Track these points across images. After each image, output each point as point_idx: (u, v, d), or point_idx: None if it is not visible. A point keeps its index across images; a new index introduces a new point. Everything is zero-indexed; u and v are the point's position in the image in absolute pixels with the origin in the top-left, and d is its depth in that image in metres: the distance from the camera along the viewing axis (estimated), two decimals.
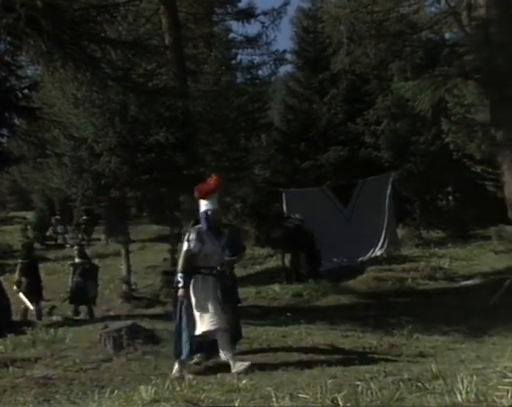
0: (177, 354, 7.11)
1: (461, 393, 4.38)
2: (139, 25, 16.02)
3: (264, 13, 20.85)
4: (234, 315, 7.38)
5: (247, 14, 20.72)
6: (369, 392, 4.77)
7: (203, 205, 7.26)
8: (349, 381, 5.44)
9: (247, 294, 13.68)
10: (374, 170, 20.67)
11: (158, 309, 13.30)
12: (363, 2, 14.97)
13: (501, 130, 13.86)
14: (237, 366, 6.76)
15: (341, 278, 14.77)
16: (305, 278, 14.97)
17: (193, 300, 7.08)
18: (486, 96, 15.01)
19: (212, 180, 7.33)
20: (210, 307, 7.03)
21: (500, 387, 4.54)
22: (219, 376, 6.21)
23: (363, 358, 7.20)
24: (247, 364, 6.81)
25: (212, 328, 6.99)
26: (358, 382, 5.24)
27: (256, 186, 24.19)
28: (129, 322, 8.71)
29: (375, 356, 7.41)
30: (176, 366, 7.05)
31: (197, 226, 7.26)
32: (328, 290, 13.21)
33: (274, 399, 4.71)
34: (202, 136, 17.62)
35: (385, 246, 17.69)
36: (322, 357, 7.46)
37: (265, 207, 23.21)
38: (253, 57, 22.27)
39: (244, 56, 22.68)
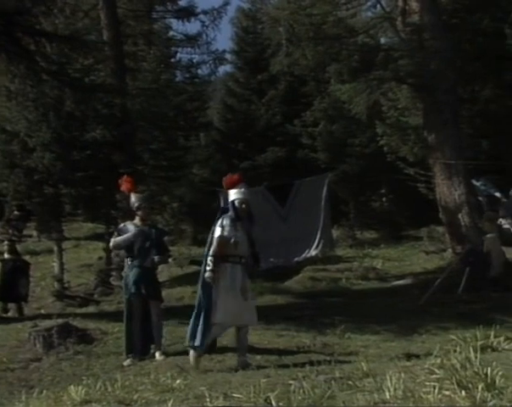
0: (192, 342, 7.16)
1: (389, 391, 4.49)
2: (77, 20, 15.72)
3: (205, 13, 20.77)
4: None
5: (188, 13, 20.58)
6: (301, 391, 4.84)
7: (231, 195, 7.52)
8: (283, 380, 5.50)
9: (184, 294, 13.63)
10: (310, 170, 20.91)
11: (91, 309, 13.07)
12: (302, 4, 15.12)
13: (433, 133, 14.25)
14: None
15: (277, 278, 14.87)
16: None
17: (220, 287, 7.11)
18: (420, 100, 15.39)
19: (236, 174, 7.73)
20: (236, 296, 7.13)
21: (427, 383, 4.67)
22: (152, 376, 6.16)
23: (297, 357, 7.28)
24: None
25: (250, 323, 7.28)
26: (291, 381, 5.31)
27: (194, 185, 24.11)
28: (60, 321, 8.55)
29: (309, 355, 7.50)
30: (192, 354, 7.13)
31: (227, 214, 7.39)
32: (264, 290, 13.28)
33: (208, 399, 4.72)
34: (139, 135, 17.43)
35: (320, 246, 17.87)
36: (257, 356, 7.51)
37: (203, 206, 23.14)
38: (193, 56, 22.13)
39: (184, 54, 22.52)
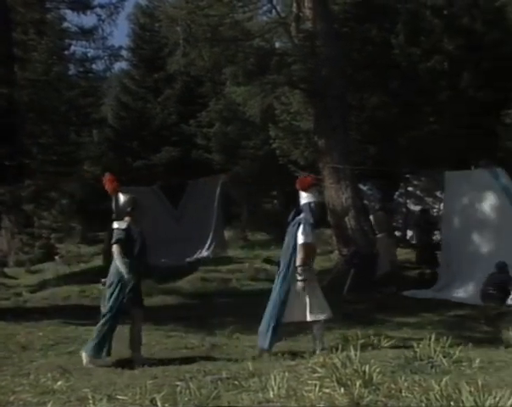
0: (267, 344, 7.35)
1: (273, 390, 4.59)
2: None
3: (101, 6, 20.24)
4: None
5: (84, 5, 19.99)
6: (187, 391, 4.85)
7: (305, 198, 7.45)
8: (169, 381, 5.49)
9: (70, 293, 13.27)
10: (205, 171, 20.96)
11: None
12: (199, 5, 15.10)
13: (322, 138, 14.65)
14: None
15: (168, 278, 14.76)
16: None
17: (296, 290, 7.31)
18: (311, 105, 15.77)
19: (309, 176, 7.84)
20: (319, 296, 7.43)
21: (309, 381, 4.82)
22: (32, 377, 5.95)
23: (185, 358, 7.28)
24: None
25: (321, 317, 7.38)
26: (178, 382, 5.31)
27: (85, 182, 23.53)
28: None
29: (197, 356, 7.52)
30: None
31: (302, 217, 7.38)
32: (154, 290, 13.13)
33: (90, 401, 4.63)
34: (28, 127, 16.78)
35: (212, 247, 17.99)
36: (144, 357, 7.43)
37: (94, 204, 22.63)
38: (88, 50, 21.52)
39: (78, 48, 21.86)
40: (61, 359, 7.30)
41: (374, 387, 4.60)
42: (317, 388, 4.58)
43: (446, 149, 16.95)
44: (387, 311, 10.09)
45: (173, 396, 4.74)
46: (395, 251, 13.86)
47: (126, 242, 7.48)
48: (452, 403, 4.01)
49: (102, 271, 15.61)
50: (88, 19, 24.13)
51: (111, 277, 7.44)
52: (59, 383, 5.36)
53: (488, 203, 12.69)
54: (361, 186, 16.59)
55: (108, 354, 7.26)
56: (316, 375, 5.05)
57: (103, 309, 7.37)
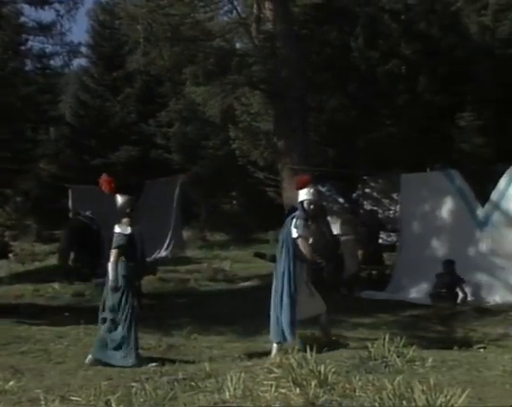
0: (279, 338, 7.30)
1: (229, 390, 4.60)
2: None
3: (60, 2, 19.86)
4: None
5: (41, 0, 19.69)
6: (143, 392, 4.82)
7: (302, 195, 7.70)
8: (125, 382, 5.45)
9: (24, 292, 13.04)
10: (164, 171, 20.84)
11: None
12: (160, 4, 14.99)
13: (282, 139, 14.70)
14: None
15: None
16: (88, 277, 14.64)
17: (302, 284, 7.44)
18: (271, 106, 15.82)
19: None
20: (315, 292, 7.58)
21: (266, 382, 4.84)
22: None
23: (141, 359, 7.23)
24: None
25: (320, 311, 7.48)
26: (133, 383, 5.28)
27: (41, 180, 23.17)
28: None
29: (154, 357, 7.48)
30: (275, 350, 7.17)
31: (296, 214, 7.59)
32: None
33: (42, 402, 4.57)
34: None
35: (170, 247, 17.91)
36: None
37: (50, 202, 22.30)
38: (46, 45, 21.15)
39: (35, 43, 21.47)
40: (13, 359, 7.20)
41: (329, 387, 4.64)
42: (273, 389, 4.60)
43: (403, 152, 17.22)
44: (344, 312, 10.17)
45: (128, 397, 4.71)
46: (358, 252, 13.97)
47: (128, 247, 7.43)
48: (404, 402, 4.07)
49: (57, 270, 15.49)
50: (46, 15, 23.69)
51: (115, 282, 7.34)
52: (11, 384, 5.27)
53: (443, 205, 12.92)
54: (320, 188, 16.70)
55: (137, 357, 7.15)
56: (272, 375, 5.07)
57: (105, 314, 7.36)
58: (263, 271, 16.21)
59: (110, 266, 7.32)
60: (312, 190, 7.84)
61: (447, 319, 10.36)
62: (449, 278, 11.80)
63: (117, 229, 7.52)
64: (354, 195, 18.70)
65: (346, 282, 13.00)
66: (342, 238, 13.26)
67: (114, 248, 7.39)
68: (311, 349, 5.37)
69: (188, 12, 15.31)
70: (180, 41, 15.24)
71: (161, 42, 15.55)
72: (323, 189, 17.95)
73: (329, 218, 15.32)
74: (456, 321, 10.17)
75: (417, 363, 5.60)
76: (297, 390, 4.53)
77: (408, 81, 18.52)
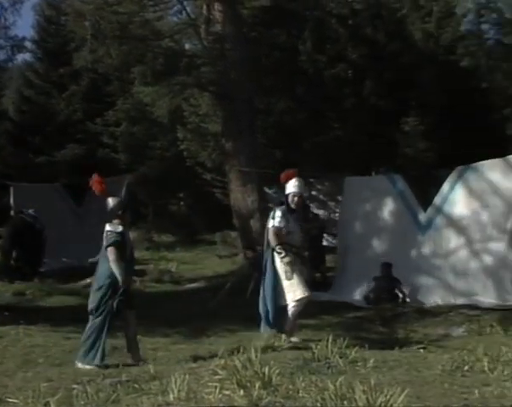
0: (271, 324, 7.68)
1: (173, 392, 4.59)
2: None
3: None
4: None
5: None
6: (84, 395, 4.76)
7: (287, 189, 8.02)
8: (66, 384, 5.37)
9: None
10: (110, 171, 20.55)
11: None
12: (108, 1, 14.81)
13: (230, 141, 14.72)
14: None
15: (69, 278, 14.40)
16: (30, 277, 14.38)
17: (283, 274, 7.66)
18: (219, 108, 15.82)
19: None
20: (296, 279, 7.68)
21: (210, 384, 4.85)
22: None
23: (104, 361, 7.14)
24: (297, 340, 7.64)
25: (302, 296, 7.64)
26: (74, 385, 5.20)
27: None
28: None
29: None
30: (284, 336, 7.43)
31: (280, 207, 7.94)
32: (54, 290, 12.79)
33: None
34: None
35: None
36: (40, 359, 7.24)
37: None
38: None
39: None
40: None
41: (273, 389, 4.67)
42: (217, 390, 4.61)
43: (349, 155, 17.48)
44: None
45: (69, 399, 4.64)
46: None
47: (121, 246, 7.33)
48: (345, 402, 4.14)
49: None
50: None
51: (100, 280, 7.26)
52: None
53: (385, 208, 13.14)
54: (267, 190, 16.78)
55: (103, 359, 6.99)
56: (217, 377, 5.08)
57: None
58: (209, 273, 16.24)
59: (113, 265, 7.18)
60: (297, 183, 8.06)
61: (389, 320, 10.56)
62: (386, 281, 12.03)
63: (108, 227, 7.45)
64: None
65: None
66: None
67: (109, 245, 7.30)
68: (255, 351, 5.40)
69: (137, 10, 15.16)
70: (129, 39, 15.09)
71: (109, 40, 15.36)
72: (270, 191, 18.04)
73: None
74: (398, 323, 10.38)
75: (359, 363, 5.70)
76: (241, 392, 4.55)
77: (354, 86, 18.83)
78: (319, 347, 6.02)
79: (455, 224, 12.44)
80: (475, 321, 9.80)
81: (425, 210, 12.81)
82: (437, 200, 12.72)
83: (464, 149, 16.29)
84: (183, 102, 19.41)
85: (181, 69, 15.20)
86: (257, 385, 4.62)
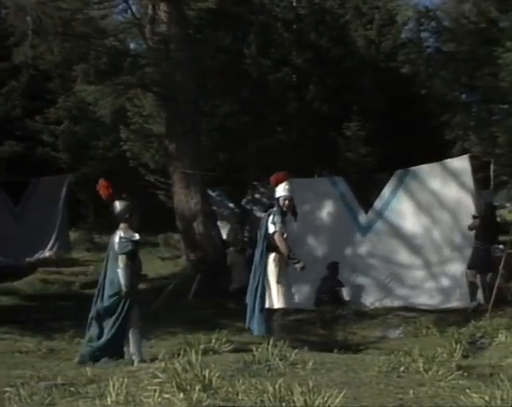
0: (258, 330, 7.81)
1: (111, 396, 4.53)
2: None
3: None
4: None
5: None
6: (17, 398, 4.66)
7: (277, 192, 8.15)
8: None
9: None
10: (50, 169, 20.18)
11: None
12: None
13: (174, 142, 14.64)
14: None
15: (5, 278, 14.03)
16: None
17: (274, 277, 7.77)
18: (163, 109, 15.72)
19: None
20: (288, 284, 8.01)
21: (149, 387, 4.80)
22: None
23: (17, 362, 6.97)
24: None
25: (286, 305, 7.86)
26: (7, 388, 5.07)
27: None
28: None
29: (31, 360, 7.23)
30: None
31: (274, 210, 8.04)
32: None
33: None
34: None
35: (55, 248, 17.39)
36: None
37: None
38: None
39: None
40: None
41: (212, 391, 4.67)
42: (156, 394, 4.58)
43: (293, 158, 17.61)
44: (231, 316, 10.26)
45: (1, 402, 4.53)
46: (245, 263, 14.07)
47: (133, 253, 7.37)
48: (284, 403, 4.18)
49: None
50: None
51: (114, 286, 7.29)
52: None
53: (326, 210, 13.31)
54: (210, 192, 16.77)
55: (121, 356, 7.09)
56: (157, 380, 5.04)
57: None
58: (151, 275, 16.07)
59: (121, 273, 7.20)
60: (288, 186, 8.21)
61: (329, 322, 10.70)
62: (331, 282, 12.19)
63: (122, 234, 7.41)
64: (244, 200, 18.91)
65: (234, 293, 12.99)
66: (229, 249, 13.34)
67: (123, 253, 7.28)
68: (196, 354, 5.39)
69: (81, 7, 14.95)
70: (72, 37, 14.86)
71: (51, 37, 15.09)
72: (213, 194, 18.04)
73: (219, 223, 15.43)
74: (337, 325, 10.53)
75: (299, 366, 5.75)
76: (181, 395, 4.53)
77: (298, 90, 19.01)
78: (259, 349, 6.05)
79: (401, 235, 12.70)
80: (412, 323, 10.03)
81: (366, 212, 13.04)
82: (378, 204, 12.97)
83: (404, 154, 16.67)
84: (127, 102, 19.17)
85: (125, 69, 15.04)
86: (197, 388, 4.61)
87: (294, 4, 20.06)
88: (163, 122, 16.01)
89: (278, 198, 8.14)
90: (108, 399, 4.51)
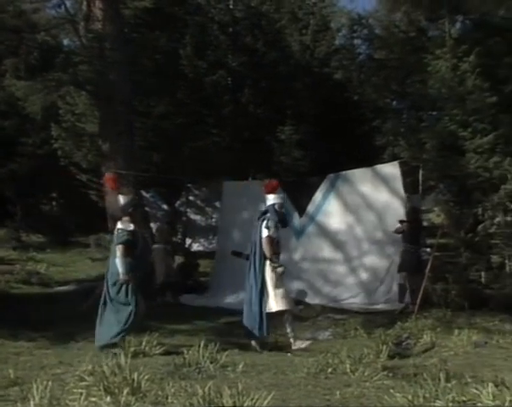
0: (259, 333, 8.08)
1: (35, 399, 4.44)
2: None
3: None
4: None
5: None
6: None
7: (271, 199, 8.48)
8: None
9: None
10: None
11: None
12: None
13: (107, 142, 14.39)
14: (298, 344, 8.05)
15: None
16: None
17: (270, 281, 8.13)
18: (97, 108, 15.45)
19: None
20: (284, 288, 8.31)
21: (76, 390, 4.74)
22: None
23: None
24: (308, 342, 8.23)
25: (287, 307, 8.14)
26: None
27: None
28: None
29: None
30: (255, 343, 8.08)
31: (267, 216, 8.32)
32: None
33: None
34: None
35: None
36: None
37: None
38: None
39: None
40: None
41: (141, 395, 4.65)
42: (83, 397, 4.52)
43: (227, 161, 17.67)
44: (162, 319, 10.17)
45: None
46: (171, 261, 13.99)
47: (130, 243, 7.62)
48: (213, 406, 4.20)
49: None
50: None
51: (114, 276, 7.66)
52: None
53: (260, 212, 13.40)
54: (144, 193, 16.60)
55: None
56: (84, 383, 4.97)
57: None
58: (81, 276, 15.80)
59: (118, 261, 7.58)
60: (281, 193, 8.73)
61: None
62: None
63: (119, 225, 7.80)
64: (178, 203, 18.81)
65: (158, 290, 12.98)
66: (154, 246, 13.28)
67: (119, 243, 7.64)
68: (126, 357, 5.33)
69: (11, 0, 14.54)
70: (1, 29, 14.42)
71: None
72: (147, 195, 17.86)
73: (152, 224, 15.30)
74: (269, 327, 10.57)
75: (229, 368, 5.79)
76: (109, 398, 4.49)
77: (233, 92, 19.10)
78: (190, 352, 6.05)
79: (327, 232, 12.93)
80: (341, 325, 10.22)
81: (300, 216, 13.20)
82: (311, 208, 13.16)
83: (336, 158, 16.98)
84: (59, 99, 18.74)
85: (57, 66, 14.71)
86: (125, 391, 4.58)
87: (231, 7, 20.13)
88: (96, 121, 15.72)
89: (273, 205, 8.47)
90: (31, 403, 4.42)
